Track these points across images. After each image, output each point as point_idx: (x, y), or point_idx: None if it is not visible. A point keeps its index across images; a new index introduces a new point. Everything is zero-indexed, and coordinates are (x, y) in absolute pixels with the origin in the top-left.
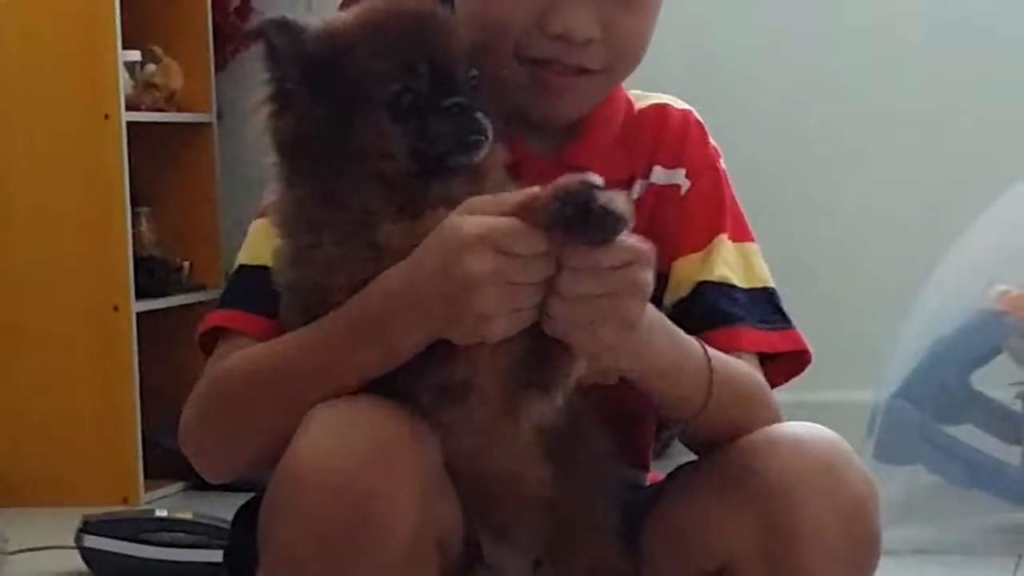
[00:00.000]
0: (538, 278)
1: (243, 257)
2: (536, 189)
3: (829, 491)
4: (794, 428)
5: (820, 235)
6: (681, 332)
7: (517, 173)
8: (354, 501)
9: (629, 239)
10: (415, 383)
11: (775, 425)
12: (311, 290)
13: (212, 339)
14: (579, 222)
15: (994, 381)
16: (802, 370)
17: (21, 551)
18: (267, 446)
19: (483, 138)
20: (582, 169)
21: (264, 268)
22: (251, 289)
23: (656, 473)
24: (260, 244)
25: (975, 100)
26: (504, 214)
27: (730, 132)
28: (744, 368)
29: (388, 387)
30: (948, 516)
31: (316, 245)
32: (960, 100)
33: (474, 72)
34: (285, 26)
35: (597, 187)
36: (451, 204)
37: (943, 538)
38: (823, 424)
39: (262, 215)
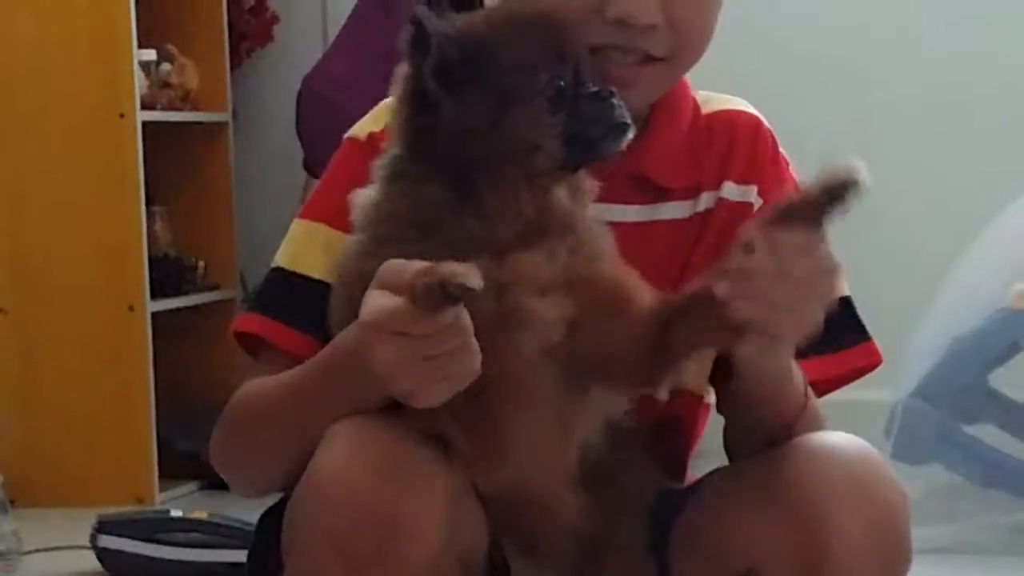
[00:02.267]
0: (450, 346)
1: (283, 259)
2: (421, 268)
3: (860, 501)
4: (827, 438)
5: (836, 233)
6: None
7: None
8: (377, 519)
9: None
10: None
11: (808, 434)
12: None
13: (251, 343)
14: (837, 200)
15: (1013, 380)
16: (871, 371)
17: (36, 551)
18: (279, 472)
19: (629, 123)
20: (647, 179)
21: (306, 278)
22: (293, 299)
23: (693, 476)
24: (303, 249)
25: (993, 98)
26: (400, 291)
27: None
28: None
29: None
30: (966, 516)
31: (394, 239)
32: (977, 98)
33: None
34: (431, 27)
35: None
36: (564, 219)
37: (961, 538)
38: (841, 424)
39: (305, 215)
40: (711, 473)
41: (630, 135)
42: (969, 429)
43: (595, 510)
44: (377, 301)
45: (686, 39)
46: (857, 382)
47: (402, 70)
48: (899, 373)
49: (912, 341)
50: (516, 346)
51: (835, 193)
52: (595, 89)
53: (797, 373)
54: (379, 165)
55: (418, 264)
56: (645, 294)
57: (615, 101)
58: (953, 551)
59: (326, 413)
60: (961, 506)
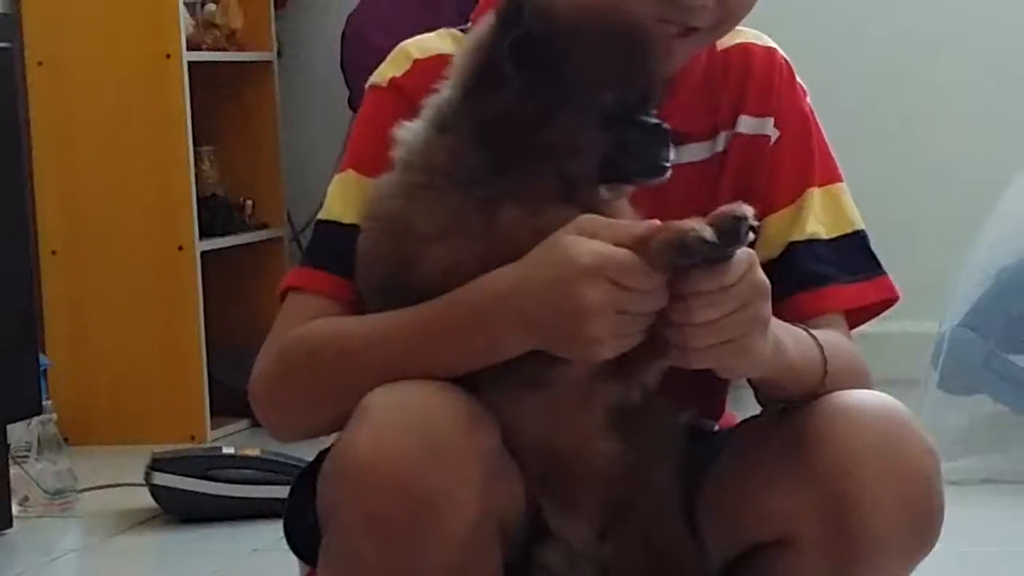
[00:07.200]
0: (651, 309)
1: (322, 213)
2: (654, 225)
3: (889, 465)
4: (855, 398)
5: (883, 165)
6: (789, 325)
7: None
8: (412, 495)
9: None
10: (492, 375)
11: (837, 393)
12: (399, 227)
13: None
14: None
15: None
16: (888, 308)
17: (91, 488)
18: (339, 417)
19: (669, 167)
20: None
21: (337, 223)
22: (324, 245)
23: (730, 414)
24: (336, 203)
25: None
26: (619, 243)
27: (794, 55)
28: (845, 344)
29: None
30: (1013, 445)
31: (431, 187)
32: None
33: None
34: (523, 7)
35: (701, 238)
36: (599, 204)
37: (1008, 467)
38: (888, 354)
39: (340, 169)
40: (740, 426)
41: (665, 178)
42: (1015, 359)
43: (628, 458)
44: (588, 246)
45: (731, 13)
46: (904, 313)
47: (486, 23)
48: (946, 303)
49: (959, 271)
50: None
51: (728, 234)
52: (653, 121)
53: (805, 355)
54: (431, 104)
55: (644, 224)
56: None
57: (666, 139)
58: (999, 481)
59: (424, 362)
60: (1007, 436)
